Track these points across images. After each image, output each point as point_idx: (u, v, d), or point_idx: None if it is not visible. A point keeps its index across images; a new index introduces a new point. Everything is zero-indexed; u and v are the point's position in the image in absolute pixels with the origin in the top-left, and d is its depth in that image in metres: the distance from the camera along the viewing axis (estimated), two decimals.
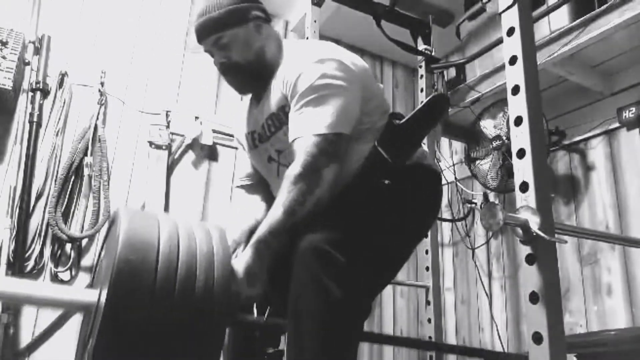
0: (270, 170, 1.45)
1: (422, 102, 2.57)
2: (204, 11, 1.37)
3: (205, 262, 1.06)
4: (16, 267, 2.24)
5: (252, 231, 1.32)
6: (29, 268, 2.30)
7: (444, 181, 3.28)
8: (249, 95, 1.53)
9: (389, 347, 3.11)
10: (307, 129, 1.23)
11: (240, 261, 1.19)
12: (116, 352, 0.97)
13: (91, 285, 1.24)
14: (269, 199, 1.46)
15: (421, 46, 2.66)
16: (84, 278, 2.43)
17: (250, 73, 1.40)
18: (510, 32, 1.14)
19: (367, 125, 1.33)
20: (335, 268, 1.13)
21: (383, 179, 1.27)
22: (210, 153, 2.87)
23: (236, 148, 2.29)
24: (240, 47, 1.38)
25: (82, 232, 2.43)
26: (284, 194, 1.20)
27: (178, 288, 1.00)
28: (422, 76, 2.66)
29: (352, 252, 1.16)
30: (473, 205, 3.14)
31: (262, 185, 1.54)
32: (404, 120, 1.31)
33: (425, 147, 2.51)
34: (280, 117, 1.35)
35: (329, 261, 1.13)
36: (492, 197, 2.97)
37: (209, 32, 1.37)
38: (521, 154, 1.05)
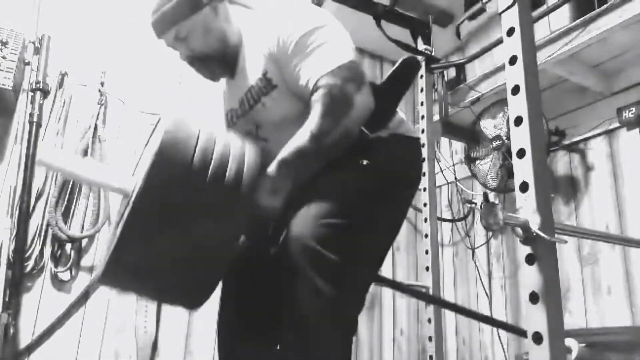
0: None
1: (421, 102, 2.58)
2: (157, 6, 1.33)
3: (238, 159, 1.13)
4: (16, 267, 2.24)
5: None
6: (29, 268, 2.30)
7: (443, 181, 3.28)
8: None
9: (389, 347, 3.11)
10: (323, 66, 1.21)
11: (264, 174, 1.19)
12: (146, 218, 1.04)
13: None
14: None
15: (421, 46, 2.66)
16: (84, 278, 2.43)
17: (218, 59, 1.37)
18: (510, 32, 1.14)
19: None
20: (326, 267, 1.13)
21: (361, 157, 1.26)
22: None
23: None
24: (201, 36, 1.34)
25: (82, 232, 2.43)
26: (314, 118, 1.19)
27: (211, 170, 1.08)
28: (422, 76, 2.65)
29: (342, 245, 1.16)
30: (473, 205, 3.14)
31: None
32: (376, 86, 1.31)
33: (424, 147, 2.52)
34: (261, 87, 1.32)
35: (320, 261, 1.13)
36: (492, 197, 2.97)
37: (166, 27, 1.33)
38: (521, 154, 1.05)
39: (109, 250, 1.12)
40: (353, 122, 1.23)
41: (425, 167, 2.51)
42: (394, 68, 1.30)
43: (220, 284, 1.40)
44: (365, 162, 1.26)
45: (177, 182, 1.05)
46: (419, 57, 2.67)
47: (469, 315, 2.13)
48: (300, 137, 1.19)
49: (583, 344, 1.77)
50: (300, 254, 1.14)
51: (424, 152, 2.53)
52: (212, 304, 1.42)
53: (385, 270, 3.23)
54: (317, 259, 1.13)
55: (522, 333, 1.65)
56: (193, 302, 1.21)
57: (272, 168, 1.19)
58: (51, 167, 1.19)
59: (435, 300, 2.13)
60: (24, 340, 2.26)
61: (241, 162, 1.13)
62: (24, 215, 2.31)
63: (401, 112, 1.40)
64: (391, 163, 1.31)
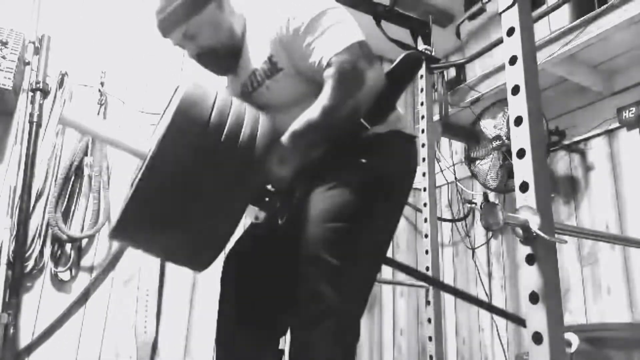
0: None
1: (421, 102, 2.58)
2: (162, 6, 1.32)
3: (252, 123, 1.16)
4: (16, 267, 2.24)
5: None
6: (29, 268, 2.30)
7: (443, 181, 3.28)
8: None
9: (389, 347, 3.11)
10: (336, 44, 1.23)
11: (277, 148, 1.20)
12: (162, 173, 1.07)
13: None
14: None
15: (421, 46, 2.66)
16: (84, 278, 2.43)
17: (227, 55, 1.37)
18: (510, 32, 1.14)
19: None
20: (331, 273, 1.15)
21: (360, 155, 1.26)
22: None
23: None
24: (210, 32, 1.33)
25: (82, 232, 2.43)
26: (326, 93, 1.21)
27: (227, 131, 1.11)
28: (422, 76, 2.65)
29: (345, 249, 1.17)
30: (473, 205, 3.14)
31: None
32: None
33: (425, 147, 2.52)
34: (265, 70, 1.32)
35: (325, 268, 1.15)
36: (492, 197, 2.97)
37: (173, 26, 1.33)
38: (521, 154, 1.05)
39: (123, 203, 1.14)
40: (365, 97, 1.24)
41: (425, 167, 2.51)
42: (396, 61, 1.30)
43: (221, 279, 1.42)
44: (364, 161, 1.26)
45: (194, 140, 1.08)
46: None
47: (473, 302, 2.12)
48: (313, 110, 1.21)
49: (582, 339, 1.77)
50: (308, 261, 1.16)
51: (424, 152, 2.53)
52: (212, 305, 1.42)
53: (385, 271, 3.23)
54: (323, 266, 1.15)
55: (520, 322, 1.65)
56: (200, 262, 1.22)
57: (284, 138, 1.21)
58: (73, 125, 1.20)
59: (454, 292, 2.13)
60: (24, 340, 2.26)
61: (255, 127, 1.15)
62: (24, 215, 2.31)
63: (400, 108, 1.40)
64: (389, 161, 1.32)
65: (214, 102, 1.13)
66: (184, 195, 1.09)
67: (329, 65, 1.22)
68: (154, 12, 1.34)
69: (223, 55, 1.37)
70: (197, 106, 1.10)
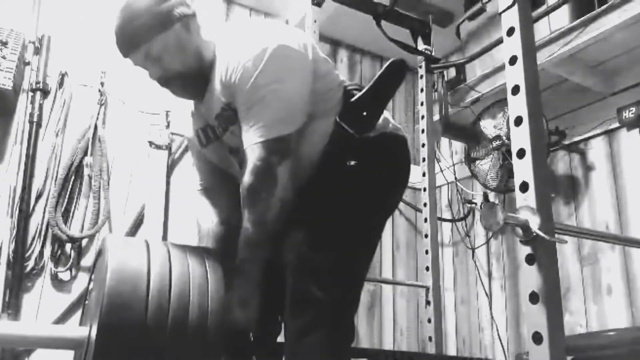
0: (231, 162, 1.40)
1: (422, 104, 2.58)
2: (122, 23, 1.24)
3: (199, 293, 1.02)
4: (16, 267, 2.24)
5: (214, 236, 1.33)
6: (29, 268, 2.30)
7: (443, 181, 3.28)
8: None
9: (389, 347, 3.11)
10: (251, 139, 1.18)
11: (231, 288, 1.15)
12: None
13: (81, 318, 1.22)
14: (231, 196, 1.39)
15: (421, 46, 2.66)
16: (84, 278, 2.43)
17: (194, 78, 1.28)
18: (510, 32, 1.14)
19: (323, 103, 1.28)
20: (323, 278, 1.16)
21: (349, 159, 1.25)
22: None
23: None
24: (174, 54, 1.24)
25: (82, 232, 2.42)
26: (247, 207, 1.18)
27: (170, 322, 0.97)
28: (422, 76, 2.65)
29: (334, 251, 1.18)
30: (473, 205, 3.14)
31: (220, 184, 1.49)
32: (363, 90, 1.28)
33: (425, 147, 2.51)
34: (226, 117, 1.27)
35: (314, 269, 1.15)
36: (492, 197, 2.97)
37: (134, 45, 1.23)
38: (521, 154, 1.05)
39: None
40: (282, 192, 1.19)
41: (425, 167, 2.51)
42: (380, 70, 1.26)
43: None
44: (352, 163, 1.25)
45: (133, 343, 0.94)
46: (419, 57, 2.68)
47: None
48: (245, 232, 1.18)
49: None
50: (295, 263, 1.17)
51: (424, 152, 2.53)
52: None
53: (386, 270, 3.23)
54: (311, 268, 1.16)
55: None
56: None
57: (235, 281, 1.16)
58: None
59: None
60: None
61: (204, 291, 1.03)
62: (24, 215, 2.31)
63: (386, 112, 1.37)
64: (378, 163, 1.31)
65: (148, 288, 0.97)
66: None
67: (246, 154, 1.19)
68: (113, 29, 1.25)
69: (191, 79, 1.28)
70: (126, 305, 0.94)
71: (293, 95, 1.21)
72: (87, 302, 1.21)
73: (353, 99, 1.28)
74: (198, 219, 1.46)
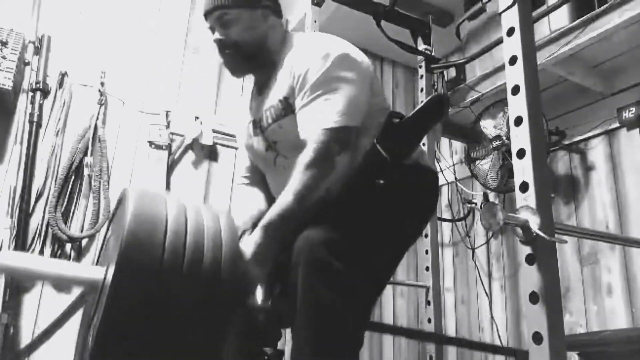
0: (267, 160, 1.45)
1: (422, 101, 2.58)
2: None
3: (213, 241, 1.05)
4: None
5: (255, 221, 1.32)
6: None
7: (443, 181, 3.28)
8: (250, 89, 1.54)
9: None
10: (318, 122, 1.24)
11: (249, 242, 1.19)
12: (121, 329, 0.95)
13: (97, 264, 1.24)
14: (269, 193, 1.49)
15: (421, 46, 2.66)
16: None
17: (246, 55, 1.40)
18: (510, 32, 1.14)
19: (368, 122, 1.33)
20: (336, 279, 1.14)
21: (379, 179, 1.26)
22: (210, 153, 2.87)
23: (236, 148, 2.29)
24: (242, 28, 1.38)
25: (82, 232, 2.43)
26: (296, 179, 1.21)
27: (186, 265, 0.99)
28: (422, 76, 2.66)
29: (352, 259, 1.17)
30: (473, 205, 3.14)
31: (262, 181, 1.55)
32: (404, 118, 1.30)
33: (425, 147, 2.52)
34: (280, 109, 1.35)
35: (330, 273, 1.14)
36: (492, 197, 2.97)
37: (216, 6, 1.37)
38: (521, 154, 1.05)
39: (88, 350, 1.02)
40: (333, 181, 1.23)
41: None
42: (425, 101, 1.29)
43: None
44: (381, 182, 1.26)
45: (149, 283, 0.96)
46: (419, 57, 2.68)
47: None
48: (284, 199, 1.20)
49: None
50: (312, 266, 1.15)
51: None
52: None
53: None
54: (327, 272, 1.14)
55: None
56: None
57: (256, 234, 1.19)
58: (5, 271, 1.10)
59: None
60: (24, 340, 2.26)
61: (217, 239, 1.05)
62: (24, 215, 2.31)
63: (422, 146, 1.41)
64: (406, 187, 1.33)
65: (165, 230, 1.00)
66: (152, 342, 0.96)
67: (305, 140, 1.24)
68: None
69: (242, 55, 1.40)
70: (144, 247, 0.96)
71: (359, 95, 1.29)
72: (104, 248, 1.23)
73: (392, 125, 1.30)
74: (236, 211, 1.51)
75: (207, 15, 1.40)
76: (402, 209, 1.32)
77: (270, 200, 1.45)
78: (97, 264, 1.22)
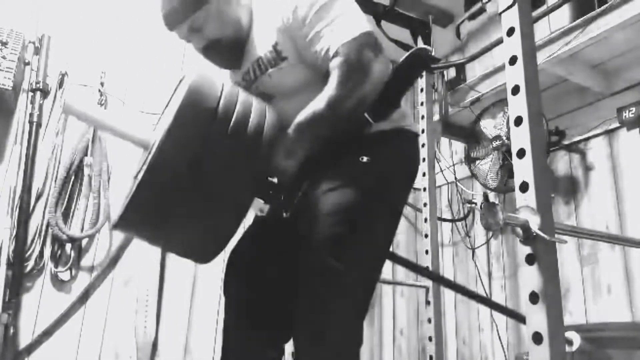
0: None
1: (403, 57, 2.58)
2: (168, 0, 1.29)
3: (259, 113, 1.15)
4: (16, 267, 2.24)
5: None
6: (29, 268, 2.30)
7: (443, 181, 3.28)
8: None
9: (389, 347, 3.11)
10: (341, 36, 1.22)
11: (283, 139, 1.19)
12: (169, 164, 1.05)
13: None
14: None
15: (421, 46, 2.65)
16: (84, 278, 2.43)
17: (233, 48, 1.35)
18: (510, 32, 1.14)
19: None
20: (335, 278, 1.15)
21: (362, 154, 1.25)
22: None
23: None
24: (216, 24, 1.31)
25: (82, 232, 2.43)
26: (332, 85, 1.20)
27: (234, 120, 1.09)
28: (422, 76, 2.65)
29: (349, 253, 1.17)
30: (473, 205, 3.14)
31: None
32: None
33: (425, 147, 2.52)
34: (269, 59, 1.31)
35: (331, 274, 1.15)
36: (492, 197, 2.97)
37: (180, 19, 1.29)
38: (521, 154, 1.05)
39: (127, 195, 1.12)
40: (370, 89, 1.23)
41: (425, 167, 2.51)
42: (403, 58, 1.28)
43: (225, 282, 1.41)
44: (365, 159, 1.25)
45: (201, 129, 1.06)
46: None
47: (476, 298, 2.13)
48: (318, 103, 1.20)
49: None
50: (311, 266, 1.16)
51: (424, 152, 2.52)
52: (211, 305, 1.42)
53: (386, 270, 3.23)
54: (327, 271, 1.15)
55: (520, 319, 1.64)
56: (204, 255, 1.20)
57: (290, 129, 1.20)
58: (77, 114, 1.18)
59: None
60: (24, 340, 2.26)
61: (262, 118, 1.14)
62: (24, 215, 2.31)
63: (405, 106, 1.39)
64: (391, 160, 1.31)
65: (221, 93, 1.11)
66: (190, 185, 1.07)
67: (335, 54, 1.21)
68: (159, 4, 1.31)
69: (229, 48, 1.35)
70: (203, 96, 1.08)
71: (359, 11, 1.29)
72: (161, 116, 1.31)
73: None
74: None
75: (173, 30, 1.33)
76: (387, 181, 1.30)
77: None
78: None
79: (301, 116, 1.20)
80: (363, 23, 1.26)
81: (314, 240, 1.17)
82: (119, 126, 1.21)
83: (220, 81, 1.15)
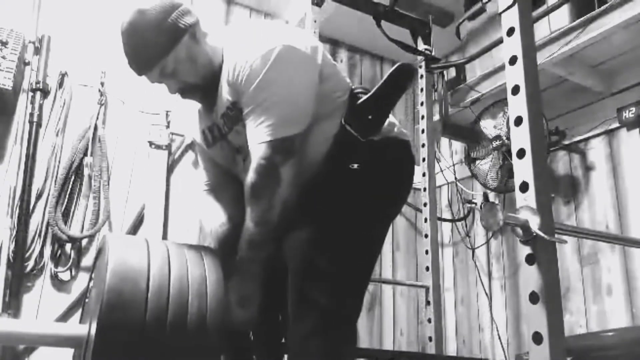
0: (238, 162, 1.41)
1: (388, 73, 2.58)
2: (132, 45, 1.24)
3: (198, 292, 1.02)
4: (16, 267, 2.24)
5: (220, 238, 1.35)
6: (29, 268, 2.29)
7: (443, 181, 3.28)
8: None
9: (389, 347, 3.11)
10: (256, 138, 1.20)
11: (231, 287, 1.17)
12: None
13: (81, 316, 1.23)
14: (235, 195, 1.41)
15: (421, 46, 2.66)
16: (83, 278, 2.43)
17: (209, 87, 1.31)
18: (510, 32, 1.14)
19: (328, 105, 1.29)
20: (326, 281, 1.16)
21: (352, 162, 1.25)
22: None
23: None
24: (188, 68, 1.27)
25: (82, 232, 2.42)
26: (249, 206, 1.19)
27: (170, 320, 0.97)
28: (422, 76, 2.65)
29: (336, 255, 1.18)
30: (473, 205, 3.14)
31: (226, 184, 1.50)
32: (370, 93, 1.28)
33: (425, 147, 2.52)
34: (231, 116, 1.29)
35: (319, 276, 1.16)
36: (492, 197, 2.97)
37: (148, 66, 1.25)
38: (521, 154, 1.05)
39: None
40: (286, 192, 1.20)
41: (425, 167, 2.51)
42: (388, 73, 1.26)
43: None
44: (355, 166, 1.25)
45: (132, 341, 0.94)
46: (419, 57, 2.68)
47: None
48: (246, 228, 1.19)
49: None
50: (298, 266, 1.17)
51: (424, 152, 2.53)
52: None
53: (386, 270, 3.23)
54: (314, 272, 1.16)
55: None
56: None
57: (235, 279, 1.18)
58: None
59: None
60: None
61: (202, 290, 1.03)
62: (24, 215, 2.30)
63: (391, 116, 1.37)
64: (382, 167, 1.31)
65: (147, 287, 0.97)
66: None
67: (250, 153, 1.20)
68: (124, 50, 1.26)
69: (206, 89, 1.31)
70: (126, 303, 0.94)
71: (299, 96, 1.22)
72: (87, 300, 1.21)
73: (359, 102, 1.27)
74: (202, 219, 1.48)
75: (142, 75, 1.30)
76: (378, 192, 1.29)
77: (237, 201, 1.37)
78: (81, 314, 1.21)
79: (240, 252, 1.19)
80: (282, 126, 1.19)
81: (305, 250, 1.18)
82: (41, 331, 1.09)
83: (144, 255, 1.01)
